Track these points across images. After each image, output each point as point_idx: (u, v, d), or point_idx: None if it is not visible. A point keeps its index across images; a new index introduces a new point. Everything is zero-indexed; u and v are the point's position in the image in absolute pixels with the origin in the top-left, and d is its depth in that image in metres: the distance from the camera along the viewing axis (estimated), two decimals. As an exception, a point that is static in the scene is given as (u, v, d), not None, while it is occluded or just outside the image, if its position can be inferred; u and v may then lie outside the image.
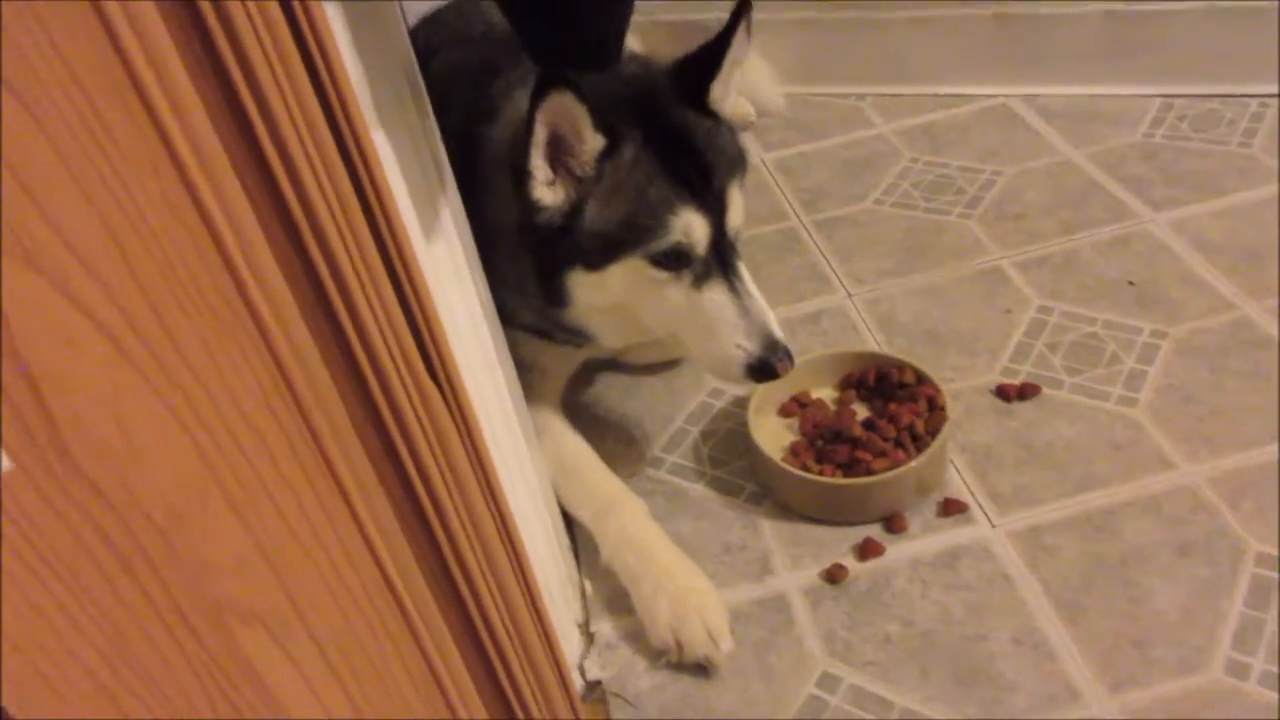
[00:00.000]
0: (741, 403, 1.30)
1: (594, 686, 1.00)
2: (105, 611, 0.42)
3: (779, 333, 1.02)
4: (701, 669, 0.99)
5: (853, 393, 1.23)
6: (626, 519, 1.09)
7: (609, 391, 1.33)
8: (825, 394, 1.24)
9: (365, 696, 0.54)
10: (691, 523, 1.15)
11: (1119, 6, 1.66)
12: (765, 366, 1.00)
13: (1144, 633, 0.95)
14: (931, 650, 0.97)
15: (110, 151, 0.39)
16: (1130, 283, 1.35)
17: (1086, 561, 1.02)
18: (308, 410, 0.49)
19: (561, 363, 1.25)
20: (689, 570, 1.04)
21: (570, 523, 1.16)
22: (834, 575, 1.05)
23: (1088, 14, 1.68)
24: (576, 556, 1.14)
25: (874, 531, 1.10)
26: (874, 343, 1.34)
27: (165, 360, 0.42)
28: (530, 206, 0.99)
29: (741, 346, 1.01)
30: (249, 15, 0.47)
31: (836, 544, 1.09)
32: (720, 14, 1.88)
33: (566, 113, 0.93)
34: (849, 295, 1.42)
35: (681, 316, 1.03)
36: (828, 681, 0.97)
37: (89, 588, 0.41)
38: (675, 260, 1.00)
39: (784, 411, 1.23)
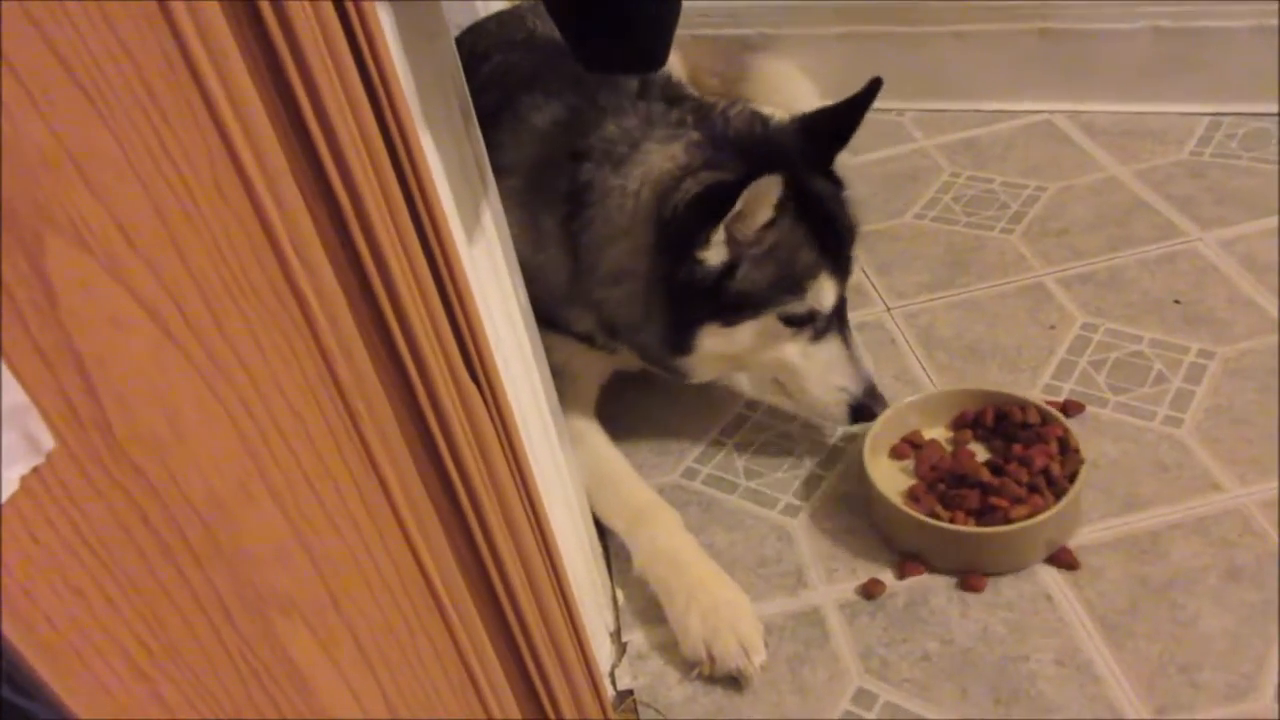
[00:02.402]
0: (778, 414, 1.29)
1: (625, 696, 0.99)
2: (145, 596, 0.42)
3: (876, 381, 1.15)
4: (734, 682, 0.98)
5: (968, 433, 1.15)
6: (660, 529, 1.08)
7: (644, 401, 1.32)
8: (938, 434, 1.17)
9: (399, 691, 0.54)
10: (726, 534, 1.14)
11: (1167, 23, 1.64)
12: (866, 410, 1.14)
13: (1191, 657, 0.93)
14: (971, 669, 0.95)
15: (166, 137, 0.40)
16: (1177, 301, 1.33)
17: (1132, 583, 1.00)
18: (351, 401, 0.49)
19: (595, 368, 1.25)
20: (723, 582, 1.03)
21: (603, 531, 1.15)
22: (871, 590, 1.04)
23: (1135, 30, 1.66)
24: (609, 565, 1.13)
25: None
26: (913, 357, 1.32)
27: (211, 345, 0.42)
28: (689, 265, 1.03)
29: (846, 390, 1.13)
30: (305, 14, 0.47)
31: (873, 559, 1.08)
32: (761, 29, 1.91)
33: (765, 193, 1.00)
34: (888, 309, 1.41)
35: (794, 365, 1.13)
36: (864, 698, 0.95)
37: (129, 571, 0.41)
38: (804, 319, 1.10)
39: (896, 454, 1.16)
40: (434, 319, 0.59)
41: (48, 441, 0.37)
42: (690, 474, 1.23)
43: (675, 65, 1.68)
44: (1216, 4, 1.60)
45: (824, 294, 1.09)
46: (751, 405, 1.31)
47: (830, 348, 1.13)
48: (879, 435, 1.14)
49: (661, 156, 1.07)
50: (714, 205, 1.01)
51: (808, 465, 1.21)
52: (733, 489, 1.20)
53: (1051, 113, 1.76)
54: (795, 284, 1.07)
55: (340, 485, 0.50)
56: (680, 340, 1.09)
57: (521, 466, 0.71)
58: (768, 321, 1.09)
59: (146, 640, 0.42)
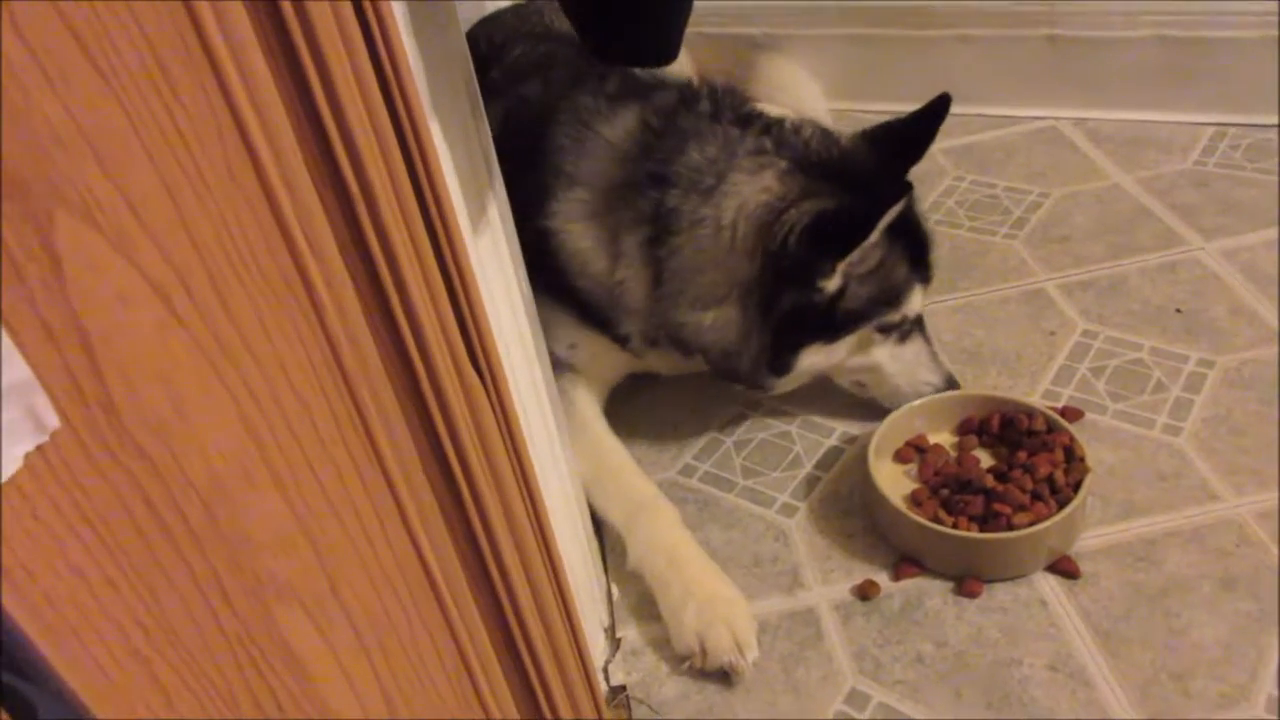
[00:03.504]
0: (777, 413, 1.29)
1: (618, 691, 0.99)
2: (144, 578, 0.41)
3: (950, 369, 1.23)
4: (725, 678, 0.98)
5: (973, 438, 1.16)
6: (659, 523, 1.08)
7: (643, 397, 1.32)
8: (943, 439, 1.18)
9: (396, 679, 0.54)
10: (722, 532, 1.14)
11: (1172, 32, 1.64)
12: None
13: (1184, 665, 0.93)
14: (964, 672, 0.95)
15: (179, 117, 0.39)
16: (1178, 310, 1.33)
17: (1126, 591, 1.00)
18: (355, 387, 0.49)
19: (617, 367, 1.27)
20: (719, 578, 1.03)
21: (598, 526, 1.15)
22: (866, 591, 1.04)
23: (1141, 39, 1.66)
24: (604, 560, 1.13)
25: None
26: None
27: (217, 326, 0.42)
28: (807, 293, 1.07)
29: (929, 383, 1.20)
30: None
31: (869, 560, 1.08)
32: (766, 28, 1.90)
33: (890, 215, 1.04)
34: (889, 311, 1.41)
35: (885, 367, 1.19)
36: (857, 699, 0.95)
37: (129, 552, 0.41)
38: (896, 326, 1.16)
39: (900, 457, 1.16)
40: (439, 308, 0.59)
41: (52, 420, 0.36)
42: (688, 471, 1.23)
43: (685, 63, 1.68)
44: (1224, 14, 1.60)
45: (915, 302, 1.16)
46: (751, 403, 1.31)
47: (915, 347, 1.20)
48: (884, 438, 1.14)
49: (753, 188, 1.08)
50: (834, 234, 1.04)
51: (806, 465, 1.21)
52: (730, 487, 1.20)
53: (1057, 119, 1.76)
54: (894, 297, 1.13)
55: (342, 472, 0.50)
56: (781, 363, 1.12)
57: (521, 458, 0.71)
58: (864, 333, 1.14)
59: (145, 621, 0.41)
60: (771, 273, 1.07)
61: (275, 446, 0.46)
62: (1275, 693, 0.90)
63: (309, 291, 0.46)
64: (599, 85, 1.23)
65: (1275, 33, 1.58)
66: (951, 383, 1.21)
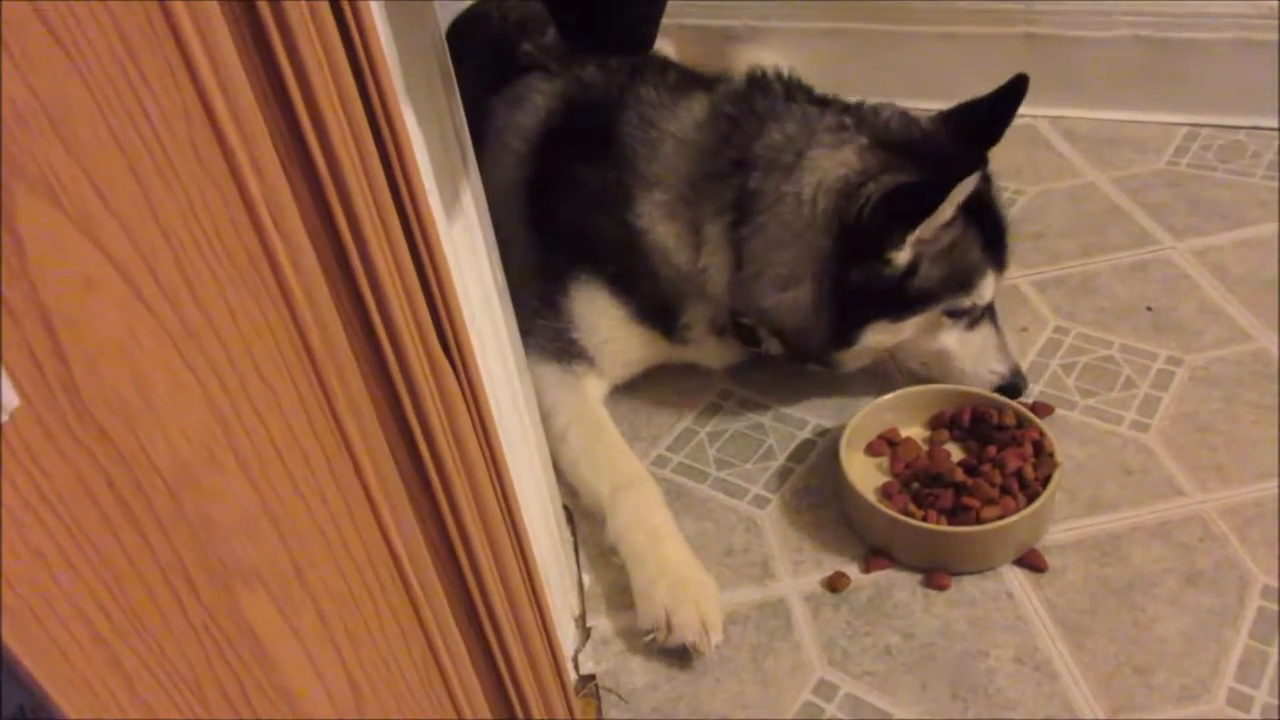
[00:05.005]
0: (750, 405, 1.29)
1: (587, 680, 1.00)
2: (107, 561, 0.41)
3: (1019, 360, 1.22)
4: (687, 661, 0.98)
5: (945, 432, 1.16)
6: (644, 499, 1.09)
7: (618, 389, 1.32)
8: (914, 432, 1.18)
9: (362, 665, 0.54)
10: (694, 523, 1.14)
11: (1149, 33, 1.66)
12: (1014, 387, 1.18)
13: (1147, 659, 0.94)
14: (931, 664, 0.96)
15: (144, 96, 0.39)
16: (1148, 308, 1.34)
17: (1092, 584, 1.01)
18: (323, 372, 0.49)
19: (646, 362, 1.28)
20: (694, 564, 1.04)
21: (571, 518, 1.15)
22: (836, 583, 1.04)
23: (1118, 39, 1.68)
24: (575, 550, 1.13)
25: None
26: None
27: (183, 309, 0.41)
28: (876, 266, 1.07)
29: (995, 371, 1.18)
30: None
31: (839, 552, 1.09)
32: (747, 21, 1.90)
33: (960, 193, 1.05)
34: (864, 305, 1.41)
35: (952, 352, 1.18)
36: (824, 689, 0.96)
37: (91, 535, 0.40)
38: (966, 312, 1.15)
39: (872, 450, 1.17)
40: (410, 293, 0.58)
41: (12, 400, 0.36)
42: (661, 462, 1.23)
43: (669, 53, 1.68)
44: (1199, 16, 1.62)
45: (987, 289, 1.15)
46: (725, 394, 1.31)
47: (983, 334, 1.19)
48: (855, 431, 1.15)
49: (833, 162, 1.09)
50: (907, 207, 1.05)
51: (778, 457, 1.22)
52: (703, 478, 1.20)
53: (1033, 117, 1.78)
54: (965, 281, 1.12)
55: (309, 457, 0.49)
56: (845, 337, 1.13)
57: (492, 445, 0.70)
58: (932, 316, 1.14)
59: (107, 606, 0.41)
60: (844, 246, 1.08)
61: (241, 431, 0.45)
62: (1236, 686, 0.91)
63: (276, 275, 0.46)
64: (659, 76, 1.24)
65: (1249, 35, 1.59)
66: (1018, 374, 1.19)
